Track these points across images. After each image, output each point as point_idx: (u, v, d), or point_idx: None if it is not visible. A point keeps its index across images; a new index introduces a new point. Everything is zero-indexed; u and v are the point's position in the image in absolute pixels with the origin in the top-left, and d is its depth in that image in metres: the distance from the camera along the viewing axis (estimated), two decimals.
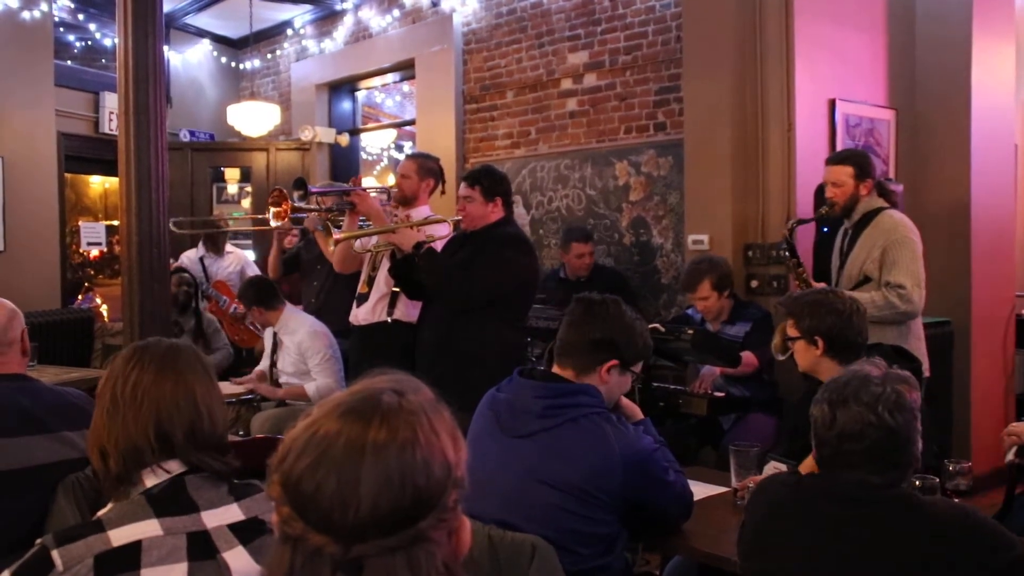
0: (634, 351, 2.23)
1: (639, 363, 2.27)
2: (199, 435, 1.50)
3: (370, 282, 3.96)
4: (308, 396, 4.24)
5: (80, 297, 6.47)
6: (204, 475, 1.49)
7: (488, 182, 3.49)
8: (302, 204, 4.08)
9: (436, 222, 3.68)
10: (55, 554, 1.32)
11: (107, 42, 7.19)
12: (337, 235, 3.61)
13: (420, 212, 3.82)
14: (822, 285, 3.45)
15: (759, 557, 1.77)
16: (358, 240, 3.81)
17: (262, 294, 4.42)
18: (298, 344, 4.35)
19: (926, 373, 3.37)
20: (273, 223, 4.02)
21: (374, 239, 3.77)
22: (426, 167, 3.92)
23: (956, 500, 2.16)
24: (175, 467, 1.48)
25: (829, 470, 1.70)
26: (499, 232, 3.48)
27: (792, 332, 2.56)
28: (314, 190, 3.76)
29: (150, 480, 1.46)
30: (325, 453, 0.90)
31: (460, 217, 3.54)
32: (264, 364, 4.61)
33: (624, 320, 2.21)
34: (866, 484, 1.63)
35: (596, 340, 2.18)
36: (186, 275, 5.34)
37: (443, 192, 4.01)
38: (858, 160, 3.59)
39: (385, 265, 3.80)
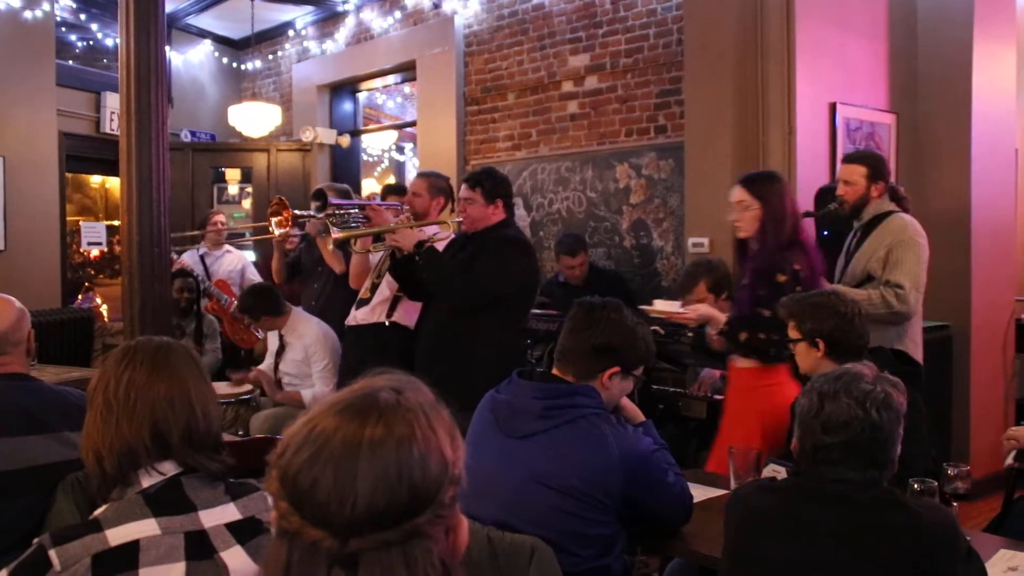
0: (636, 356, 2.22)
1: (641, 367, 2.27)
2: (195, 436, 1.49)
3: (373, 288, 3.96)
4: (304, 404, 4.20)
5: (80, 297, 6.47)
6: (200, 475, 1.48)
7: (489, 184, 3.49)
8: (301, 212, 4.08)
9: (435, 223, 3.69)
10: (52, 554, 1.31)
11: (109, 42, 7.20)
12: (336, 234, 3.61)
13: (430, 229, 3.81)
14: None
15: (740, 568, 1.76)
16: (359, 241, 3.81)
17: (268, 302, 4.38)
18: (306, 346, 4.34)
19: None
20: (277, 231, 4.01)
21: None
22: (437, 186, 3.91)
23: (955, 504, 2.16)
24: (170, 468, 1.47)
25: (809, 466, 1.72)
26: (500, 234, 3.49)
27: (793, 334, 2.56)
28: (334, 202, 3.78)
29: (146, 480, 1.45)
30: (322, 448, 0.90)
31: (461, 218, 3.55)
32: (267, 363, 4.60)
33: (625, 325, 2.20)
34: (849, 483, 1.66)
35: (597, 347, 2.17)
36: (189, 280, 5.33)
37: (452, 211, 4.00)
38: (873, 162, 3.61)
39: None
